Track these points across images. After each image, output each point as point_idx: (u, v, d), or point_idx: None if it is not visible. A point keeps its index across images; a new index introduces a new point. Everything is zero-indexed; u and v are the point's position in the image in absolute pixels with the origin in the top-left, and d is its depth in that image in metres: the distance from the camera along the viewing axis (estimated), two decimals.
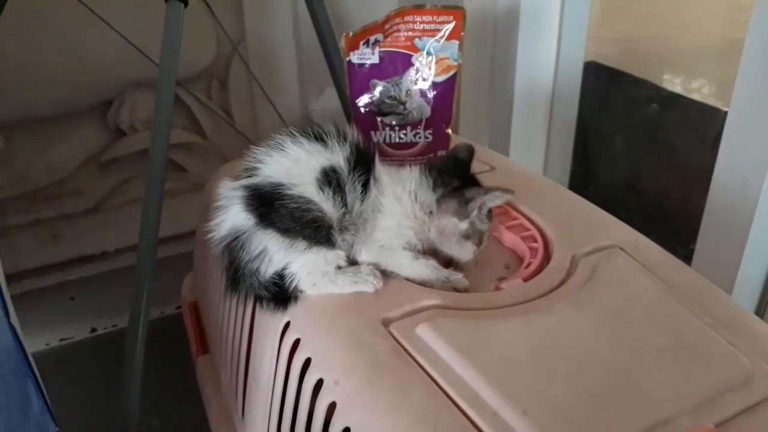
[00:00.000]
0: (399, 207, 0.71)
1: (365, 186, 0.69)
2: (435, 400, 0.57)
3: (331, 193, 0.67)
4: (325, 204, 0.67)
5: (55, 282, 1.45)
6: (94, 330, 1.51)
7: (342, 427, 0.59)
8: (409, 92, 0.89)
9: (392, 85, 0.89)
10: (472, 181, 0.76)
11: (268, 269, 0.67)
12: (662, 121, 1.34)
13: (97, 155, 1.42)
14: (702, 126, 1.25)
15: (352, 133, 0.71)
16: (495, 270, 0.76)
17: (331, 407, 0.61)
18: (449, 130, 0.92)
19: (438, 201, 0.72)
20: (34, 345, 1.39)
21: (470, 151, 0.79)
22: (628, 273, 0.71)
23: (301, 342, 0.67)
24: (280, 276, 0.68)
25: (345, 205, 0.68)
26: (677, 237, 1.23)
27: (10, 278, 1.41)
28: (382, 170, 0.72)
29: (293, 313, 0.69)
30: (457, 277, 0.72)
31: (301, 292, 0.69)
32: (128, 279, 0.96)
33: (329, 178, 0.67)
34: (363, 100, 0.89)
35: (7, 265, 1.44)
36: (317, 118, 1.54)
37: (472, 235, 0.73)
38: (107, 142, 1.42)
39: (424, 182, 0.73)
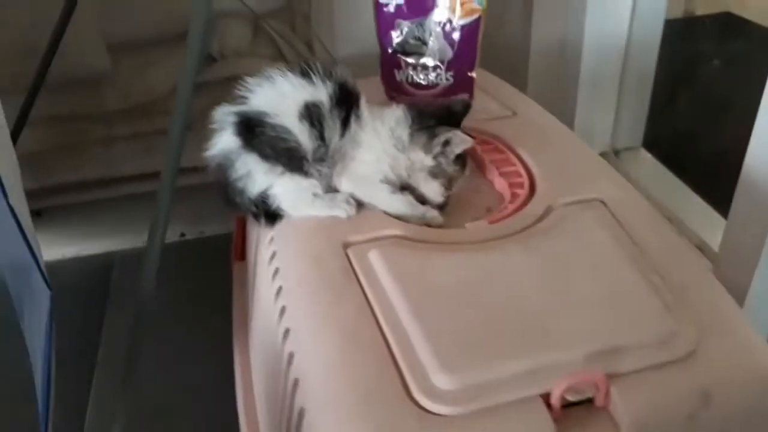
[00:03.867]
0: (377, 142, 0.76)
1: (345, 122, 0.75)
2: (360, 315, 0.63)
3: (308, 126, 0.73)
4: (302, 136, 0.73)
5: (150, 189, 1.63)
6: (183, 235, 1.67)
7: (285, 327, 0.67)
8: (432, 33, 0.91)
9: (416, 26, 0.91)
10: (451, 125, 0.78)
11: (253, 189, 0.75)
12: None
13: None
14: None
15: (339, 71, 0.76)
16: (476, 212, 0.79)
17: (284, 310, 0.69)
18: (473, 74, 0.94)
19: (410, 135, 0.76)
20: (131, 243, 1.58)
21: (465, 106, 0.81)
22: (593, 226, 0.72)
23: (276, 254, 0.75)
24: (265, 197, 0.75)
25: (322, 138, 0.73)
26: None
27: (111, 181, 1.62)
28: (365, 108, 0.77)
29: (278, 228, 0.77)
30: (433, 214, 0.76)
31: (284, 211, 0.76)
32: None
33: (310, 113, 0.73)
34: (388, 40, 0.93)
35: (110, 170, 1.65)
36: None
37: (438, 175, 0.76)
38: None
39: (403, 120, 0.77)
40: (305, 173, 0.74)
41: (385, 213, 0.76)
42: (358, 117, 0.76)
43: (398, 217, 0.75)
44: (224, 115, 0.75)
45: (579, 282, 0.65)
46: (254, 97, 0.75)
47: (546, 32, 1.35)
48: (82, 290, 1.45)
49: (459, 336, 0.59)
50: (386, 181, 0.76)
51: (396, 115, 0.77)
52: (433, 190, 0.77)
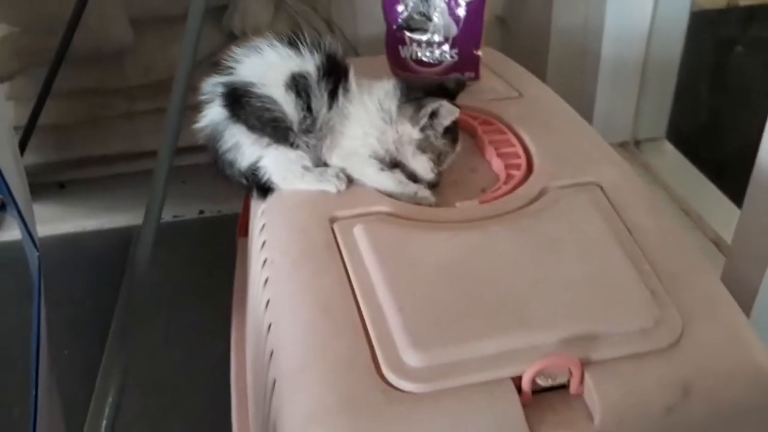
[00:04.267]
0: (365, 115, 0.75)
1: (333, 94, 0.74)
2: (337, 288, 0.62)
3: (294, 96, 0.72)
4: (287, 106, 0.72)
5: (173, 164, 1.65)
6: (201, 212, 1.69)
7: (267, 298, 0.66)
8: (437, 9, 0.90)
9: (421, 1, 0.90)
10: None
11: (243, 161, 0.75)
12: None
13: (211, 55, 1.56)
14: None
15: (328, 43, 0.75)
16: (470, 192, 0.77)
17: (267, 281, 0.69)
18: (479, 52, 0.92)
19: (398, 107, 0.75)
20: None
21: (459, 84, 0.80)
22: (586, 210, 0.69)
23: (265, 226, 0.75)
24: (255, 171, 0.75)
25: (309, 110, 0.73)
26: None
27: (133, 156, 1.64)
28: (354, 81, 0.75)
29: (268, 201, 0.77)
30: (425, 194, 0.75)
31: (274, 184, 0.76)
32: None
33: (296, 83, 0.72)
34: (393, 15, 0.92)
35: (132, 144, 1.67)
36: None
37: (427, 149, 0.75)
38: (221, 45, 1.56)
39: (392, 93, 0.76)
40: (291, 144, 0.73)
41: (377, 190, 0.75)
42: (346, 90, 0.75)
43: (390, 195, 0.74)
44: (212, 86, 0.75)
45: (564, 265, 0.63)
46: (241, 67, 0.74)
47: (567, 16, 1.31)
48: (100, 263, 1.48)
49: (433, 314, 0.58)
50: (375, 156, 0.75)
51: (385, 89, 0.76)
52: (422, 165, 0.76)
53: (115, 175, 1.65)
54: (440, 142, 0.75)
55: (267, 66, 0.74)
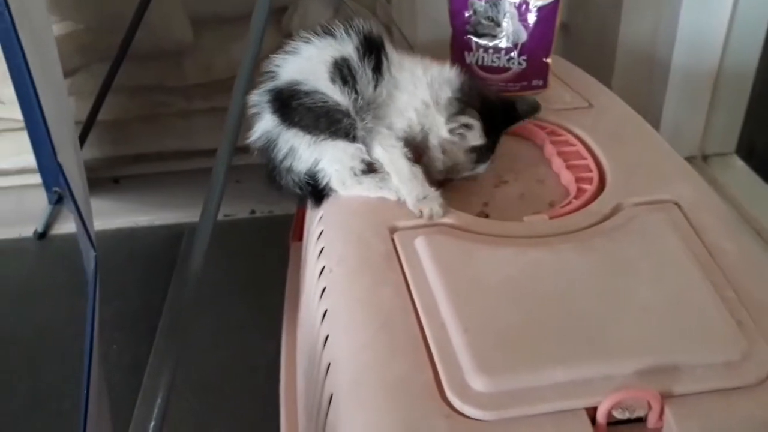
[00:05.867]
0: (411, 85, 0.74)
1: (377, 69, 0.73)
2: (398, 302, 0.60)
3: (341, 82, 0.71)
4: (336, 94, 0.71)
5: None
6: (253, 212, 1.69)
7: (323, 308, 0.64)
8: (507, 14, 0.86)
9: (490, 6, 0.87)
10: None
11: (299, 166, 0.73)
12: None
13: (269, 56, 1.56)
14: None
15: (360, 23, 0.74)
16: (537, 205, 0.74)
17: (324, 291, 0.67)
18: (549, 60, 0.89)
19: (448, 98, 0.73)
20: None
21: (532, 109, 0.77)
22: (663, 230, 0.65)
23: (323, 233, 0.73)
24: (313, 175, 0.73)
25: (356, 91, 0.71)
26: None
27: (188, 154, 1.65)
28: (393, 52, 0.75)
29: (327, 208, 0.75)
30: (433, 205, 0.69)
31: (333, 190, 0.74)
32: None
33: (340, 68, 0.71)
34: (460, 20, 0.89)
35: (187, 142, 1.68)
36: None
37: (448, 152, 0.74)
38: (280, 45, 1.56)
39: (450, 81, 0.74)
40: (347, 135, 0.71)
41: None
42: (389, 62, 0.74)
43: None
44: (258, 97, 0.74)
45: (640, 289, 0.59)
46: (282, 70, 0.74)
47: (637, 22, 1.26)
48: (150, 259, 1.49)
49: (500, 336, 0.55)
50: (409, 131, 0.74)
51: (445, 74, 0.75)
52: (436, 160, 0.74)
53: (169, 172, 1.66)
54: (462, 154, 0.74)
55: (307, 61, 0.73)
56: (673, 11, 1.20)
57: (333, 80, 0.71)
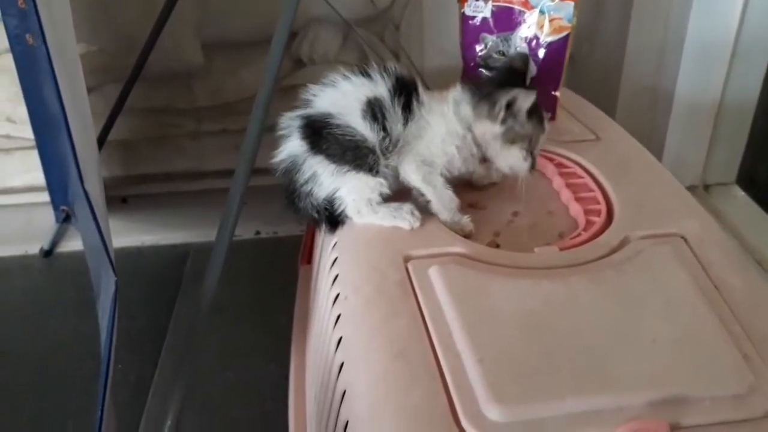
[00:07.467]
0: (443, 124, 0.76)
1: (407, 109, 0.75)
2: (413, 331, 0.61)
3: (371, 120, 0.74)
4: (366, 131, 0.73)
5: None
6: (258, 233, 1.69)
7: (338, 336, 0.66)
8: (517, 49, 0.89)
9: (501, 41, 0.89)
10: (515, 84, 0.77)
11: (319, 192, 0.75)
12: None
13: (279, 81, 1.59)
14: None
15: (394, 66, 0.77)
16: (548, 236, 0.76)
17: (339, 319, 0.68)
18: (557, 93, 0.91)
19: (473, 109, 0.76)
20: (207, 236, 1.63)
21: (524, 60, 0.80)
22: (671, 264, 0.67)
23: (337, 260, 0.74)
24: (331, 201, 0.76)
25: (385, 129, 0.74)
26: None
27: (196, 175, 1.67)
28: (425, 94, 0.77)
29: (341, 234, 0.77)
30: (466, 220, 0.75)
31: (348, 217, 0.76)
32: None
33: (372, 107, 0.74)
34: (471, 53, 0.91)
35: (196, 164, 1.70)
36: None
37: (516, 139, 0.76)
38: (289, 71, 1.58)
39: (463, 98, 0.77)
40: (371, 169, 0.74)
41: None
42: (419, 102, 0.76)
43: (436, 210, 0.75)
44: (290, 120, 0.77)
45: (649, 322, 0.61)
46: (318, 100, 0.76)
47: (641, 53, 1.29)
48: (156, 278, 1.49)
49: (514, 366, 0.57)
50: (450, 167, 0.77)
51: (455, 96, 0.78)
52: (514, 156, 0.77)
53: (176, 192, 1.67)
54: (527, 127, 0.76)
55: (342, 96, 0.75)
56: (677, 44, 1.22)
57: (364, 117, 0.74)
